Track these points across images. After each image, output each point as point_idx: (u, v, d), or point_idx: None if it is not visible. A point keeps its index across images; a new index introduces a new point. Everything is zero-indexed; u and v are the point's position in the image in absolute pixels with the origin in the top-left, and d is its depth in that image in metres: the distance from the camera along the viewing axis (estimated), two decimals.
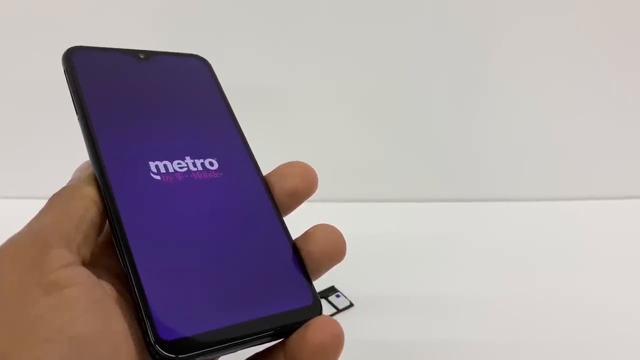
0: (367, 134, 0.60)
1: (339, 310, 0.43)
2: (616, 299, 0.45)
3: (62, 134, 0.56)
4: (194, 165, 0.24)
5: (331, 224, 0.24)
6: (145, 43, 0.29)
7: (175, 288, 0.20)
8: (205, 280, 0.21)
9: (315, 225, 0.24)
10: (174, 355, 0.18)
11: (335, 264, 0.24)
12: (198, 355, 0.19)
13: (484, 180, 0.62)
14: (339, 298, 0.44)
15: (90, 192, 0.21)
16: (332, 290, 0.44)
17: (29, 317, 0.16)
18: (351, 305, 0.43)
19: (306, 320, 0.21)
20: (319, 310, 0.22)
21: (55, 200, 0.21)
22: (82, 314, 0.17)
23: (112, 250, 0.21)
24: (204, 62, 0.29)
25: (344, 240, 0.23)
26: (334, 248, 0.23)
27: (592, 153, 0.61)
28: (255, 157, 0.26)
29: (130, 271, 0.20)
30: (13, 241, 0.19)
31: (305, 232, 0.24)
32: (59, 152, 0.57)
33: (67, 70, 0.24)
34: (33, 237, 0.19)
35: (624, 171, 0.62)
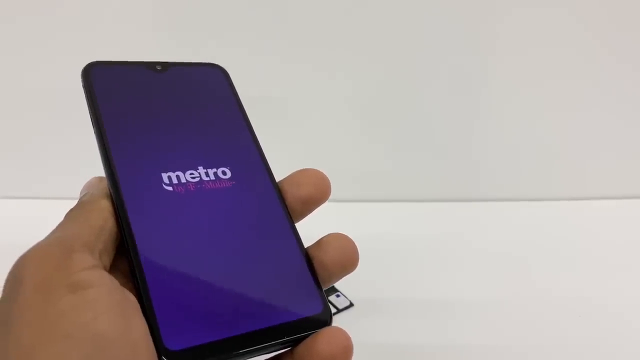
0: (366, 134, 0.60)
1: (339, 310, 0.43)
2: (616, 299, 0.45)
3: (63, 134, 0.56)
4: (207, 174, 0.24)
5: (344, 234, 0.24)
6: (151, 52, 0.29)
7: (184, 297, 0.20)
8: (215, 290, 0.21)
9: (329, 234, 0.24)
10: None
11: (347, 273, 0.24)
12: None
13: (484, 180, 0.62)
14: (339, 298, 0.44)
15: (107, 205, 0.22)
16: (332, 290, 0.44)
17: (53, 314, 0.17)
18: (351, 305, 0.43)
19: (315, 330, 0.21)
20: (328, 320, 0.22)
21: (74, 213, 0.22)
22: (104, 314, 0.17)
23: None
24: (221, 70, 0.29)
25: (357, 250, 0.23)
26: (346, 258, 0.23)
27: (591, 153, 0.61)
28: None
29: (139, 282, 0.20)
30: (38, 246, 0.19)
31: (319, 240, 0.24)
32: (59, 152, 0.57)
33: (85, 86, 0.25)
34: (57, 243, 0.19)
35: (623, 171, 0.62)
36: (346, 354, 0.20)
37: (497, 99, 0.59)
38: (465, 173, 0.62)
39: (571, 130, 0.60)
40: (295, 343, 0.21)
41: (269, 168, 0.26)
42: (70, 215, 0.21)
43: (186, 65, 0.28)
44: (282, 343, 0.21)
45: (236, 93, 0.28)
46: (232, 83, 0.29)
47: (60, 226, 0.21)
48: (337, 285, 0.45)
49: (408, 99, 0.59)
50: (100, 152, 0.23)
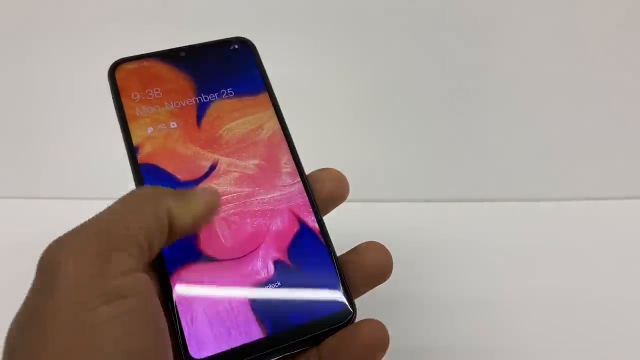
0: (367, 134, 0.60)
1: None
2: (617, 299, 0.45)
3: (63, 134, 0.56)
4: (234, 167, 0.24)
5: (382, 243, 0.24)
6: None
7: (208, 306, 0.21)
8: (238, 297, 0.21)
9: (367, 242, 0.24)
10: None
11: (380, 283, 0.24)
12: None
13: (484, 180, 0.62)
14: None
15: (167, 203, 0.20)
16: None
17: (85, 324, 0.17)
18: None
19: (337, 327, 0.21)
20: (351, 317, 0.22)
21: (129, 199, 0.20)
22: (138, 328, 0.17)
23: None
24: (246, 43, 0.28)
25: (392, 261, 0.24)
26: (382, 267, 0.24)
27: (592, 153, 0.61)
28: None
29: (166, 290, 0.21)
30: (75, 240, 0.18)
31: (356, 247, 0.24)
32: (60, 153, 0.57)
33: (111, 84, 0.25)
34: (96, 237, 0.18)
35: (624, 171, 0.62)
36: (383, 345, 0.21)
37: (498, 99, 0.59)
38: (467, 173, 0.62)
39: (572, 130, 0.60)
40: (318, 341, 0.21)
41: (298, 156, 0.26)
42: (125, 200, 0.20)
43: (209, 44, 0.27)
44: (305, 341, 0.21)
45: (262, 66, 0.28)
46: (258, 55, 0.28)
47: (110, 210, 0.19)
48: None
49: (408, 98, 0.59)
50: (126, 150, 0.23)
